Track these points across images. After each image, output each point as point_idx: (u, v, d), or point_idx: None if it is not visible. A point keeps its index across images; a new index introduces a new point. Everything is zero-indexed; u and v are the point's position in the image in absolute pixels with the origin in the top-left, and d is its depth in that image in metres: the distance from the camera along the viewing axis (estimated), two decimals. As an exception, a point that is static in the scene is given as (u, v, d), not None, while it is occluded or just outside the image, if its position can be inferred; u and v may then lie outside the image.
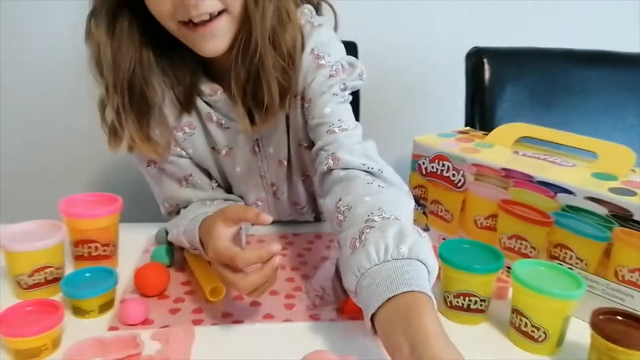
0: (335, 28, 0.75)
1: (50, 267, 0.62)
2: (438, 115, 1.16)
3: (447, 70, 1.20)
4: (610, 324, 0.51)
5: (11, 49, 1.20)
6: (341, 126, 0.67)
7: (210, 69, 0.70)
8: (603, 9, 1.39)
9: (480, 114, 1.09)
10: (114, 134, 0.67)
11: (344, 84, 0.70)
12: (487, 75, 1.10)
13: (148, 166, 0.74)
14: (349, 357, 0.50)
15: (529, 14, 1.37)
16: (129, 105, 0.65)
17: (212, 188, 0.77)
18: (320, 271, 0.73)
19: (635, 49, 1.21)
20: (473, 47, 1.11)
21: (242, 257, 0.53)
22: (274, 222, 0.77)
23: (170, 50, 0.66)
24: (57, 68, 1.18)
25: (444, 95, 1.28)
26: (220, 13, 0.60)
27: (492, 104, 1.09)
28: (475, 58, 1.10)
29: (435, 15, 1.33)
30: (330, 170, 0.65)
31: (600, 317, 0.52)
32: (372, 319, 0.49)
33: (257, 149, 0.76)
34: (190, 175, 0.74)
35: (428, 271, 0.51)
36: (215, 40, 0.62)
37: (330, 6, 0.76)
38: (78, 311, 0.59)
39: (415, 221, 0.63)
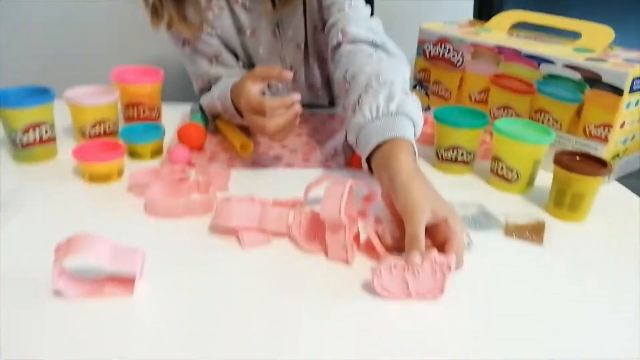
0: None
1: (108, 121, 0.74)
2: (446, 9, 1.22)
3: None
4: (568, 160, 0.62)
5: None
6: (350, 4, 0.76)
7: None
8: None
9: (487, 12, 1.15)
10: (155, 13, 0.76)
11: None
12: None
13: (183, 46, 0.84)
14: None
15: None
16: None
17: (239, 67, 0.88)
18: (333, 139, 0.85)
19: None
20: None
21: (269, 103, 0.64)
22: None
23: None
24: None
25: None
26: None
27: (499, 3, 1.15)
28: (484, -44, 1.15)
29: None
30: (339, 44, 0.75)
31: (562, 155, 0.63)
32: (368, 163, 0.61)
33: (277, 32, 0.85)
34: (220, 53, 0.84)
35: (413, 123, 0.61)
36: None
37: None
38: (134, 155, 0.72)
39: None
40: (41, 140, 0.69)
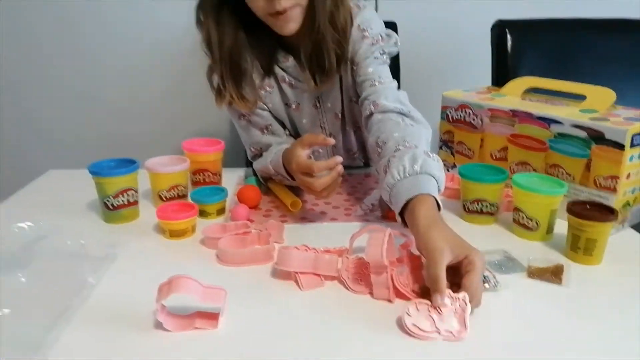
0: (376, 9, 0.98)
1: (180, 185, 0.88)
2: (467, 79, 1.35)
3: (475, 39, 1.39)
4: (580, 209, 0.71)
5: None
6: (380, 80, 0.90)
7: (284, 44, 0.94)
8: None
9: (503, 77, 1.28)
10: (219, 93, 0.92)
11: (383, 49, 0.93)
12: (509, 44, 1.28)
13: (239, 119, 0.99)
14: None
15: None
16: (229, 72, 0.90)
17: (286, 135, 1.02)
18: (370, 195, 0.96)
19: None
20: (497, 20, 1.30)
21: (316, 165, 0.77)
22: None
23: (257, 31, 0.90)
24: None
25: (472, 61, 1.47)
26: (293, 6, 0.83)
27: (514, 70, 1.27)
28: (499, 29, 1.29)
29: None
30: (371, 114, 0.88)
31: (574, 205, 0.72)
32: (402, 217, 0.72)
33: (317, 104, 0.99)
34: (270, 124, 0.99)
35: (436, 180, 0.72)
36: (290, 24, 0.85)
37: None
38: (202, 213, 0.84)
39: (444, 161, 0.85)
40: (128, 203, 0.83)
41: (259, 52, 0.93)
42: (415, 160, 0.73)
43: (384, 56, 0.93)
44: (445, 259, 0.58)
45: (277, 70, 0.95)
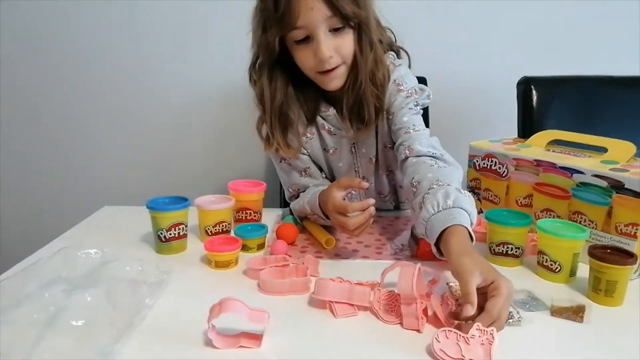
0: (409, 65, 1.08)
1: (225, 222, 0.96)
2: (494, 132, 1.42)
3: (502, 94, 1.47)
4: (601, 252, 0.75)
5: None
6: (414, 128, 0.99)
7: (327, 96, 1.04)
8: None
9: (529, 130, 1.34)
10: (268, 141, 1.02)
11: (417, 101, 1.02)
12: (534, 99, 1.35)
13: (280, 162, 1.08)
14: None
15: (571, 41, 1.61)
16: (278, 123, 1.00)
17: (322, 177, 1.10)
18: (400, 236, 1.02)
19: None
20: (523, 77, 1.38)
21: (351, 206, 0.84)
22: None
23: (304, 86, 1.01)
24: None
25: (499, 115, 1.55)
26: (339, 65, 0.94)
27: (539, 123, 1.33)
28: (524, 85, 1.37)
29: (490, 46, 1.62)
30: (406, 158, 0.96)
31: (595, 249, 0.76)
32: (438, 249, 0.78)
33: (353, 150, 1.07)
34: (309, 167, 1.07)
35: (468, 214, 0.78)
36: (336, 81, 0.96)
37: (406, 52, 1.09)
38: (244, 248, 0.92)
39: None
40: (179, 236, 0.92)
41: (304, 104, 1.03)
42: (448, 196, 0.79)
43: (418, 107, 1.03)
44: (475, 279, 0.64)
45: (319, 119, 1.05)
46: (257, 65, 0.99)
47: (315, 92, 1.02)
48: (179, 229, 0.91)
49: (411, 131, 0.98)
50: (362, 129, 1.01)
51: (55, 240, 0.99)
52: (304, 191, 1.07)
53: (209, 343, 0.62)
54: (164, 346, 0.63)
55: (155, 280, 0.78)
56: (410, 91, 1.01)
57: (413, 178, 0.90)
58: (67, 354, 0.57)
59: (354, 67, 0.96)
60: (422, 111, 1.04)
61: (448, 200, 0.79)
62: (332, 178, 1.12)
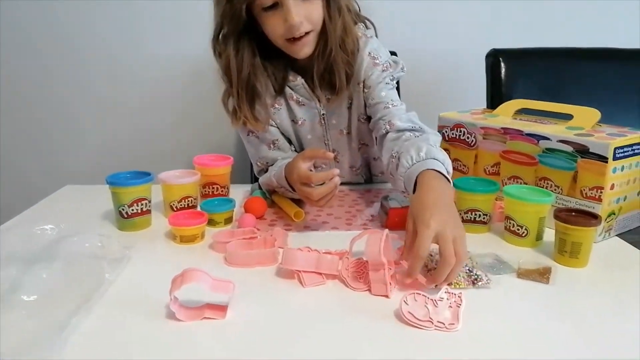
0: (376, 36, 1.06)
1: (191, 196, 0.93)
2: (463, 103, 1.42)
3: (471, 67, 1.47)
4: (566, 215, 0.76)
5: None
6: (392, 103, 0.99)
7: (294, 65, 1.01)
8: (606, 9, 1.63)
9: (498, 102, 1.34)
10: (235, 115, 0.99)
11: (392, 75, 1.03)
12: (503, 72, 1.36)
13: (248, 135, 1.05)
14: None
15: (538, 16, 1.62)
16: (245, 96, 0.97)
17: (292, 150, 1.08)
18: (371, 207, 1.01)
19: (634, 44, 1.42)
20: (491, 49, 1.38)
21: (315, 176, 0.83)
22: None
23: (271, 56, 0.98)
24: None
25: (468, 87, 1.55)
26: (308, 32, 0.92)
27: (508, 95, 1.34)
28: (493, 58, 1.37)
29: (458, 21, 1.61)
30: (387, 132, 0.96)
31: (560, 212, 0.77)
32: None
33: (323, 122, 1.06)
34: (277, 140, 1.05)
35: (441, 163, 0.80)
36: (306, 48, 0.94)
37: (372, 23, 1.08)
38: (211, 223, 0.89)
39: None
40: (142, 212, 0.88)
41: (271, 74, 1.00)
42: (421, 149, 0.83)
43: (393, 82, 1.04)
44: (430, 236, 0.66)
45: (287, 89, 1.03)
46: (221, 37, 0.95)
47: (283, 61, 0.99)
48: (142, 204, 0.88)
49: (390, 106, 0.98)
50: (334, 97, 1.00)
51: (12, 220, 0.94)
52: (272, 165, 1.05)
53: (171, 316, 0.60)
54: (125, 319, 0.61)
55: (117, 255, 0.75)
56: (385, 65, 1.02)
57: (393, 150, 0.90)
58: (20, 327, 0.54)
59: (323, 34, 0.94)
60: (396, 84, 1.04)
61: (421, 152, 0.82)
62: (301, 150, 1.10)
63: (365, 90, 1.02)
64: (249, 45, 0.95)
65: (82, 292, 0.64)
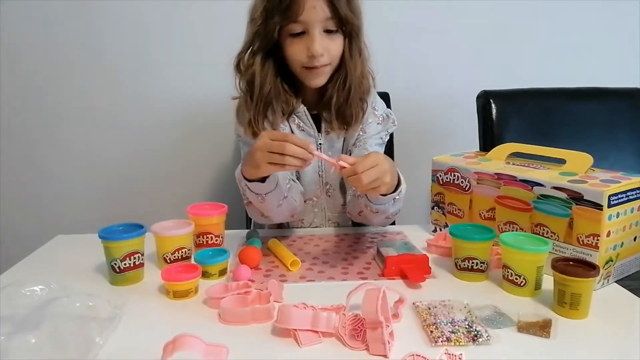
0: (374, 85, 1.09)
1: (184, 248, 0.92)
2: (456, 145, 1.43)
3: (462, 109, 1.49)
4: (563, 265, 0.75)
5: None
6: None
7: (302, 94, 1.07)
8: (593, 52, 1.67)
9: (490, 143, 1.35)
10: (250, 127, 1.02)
11: (387, 131, 1.10)
12: (494, 112, 1.38)
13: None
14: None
15: (527, 58, 1.66)
16: (262, 110, 1.02)
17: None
18: (366, 254, 1.00)
19: (624, 84, 1.45)
20: (481, 90, 1.40)
21: (291, 137, 0.82)
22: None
23: (286, 80, 1.04)
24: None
25: (461, 128, 1.57)
26: (326, 65, 1.00)
27: (499, 136, 1.36)
28: (484, 99, 1.39)
29: (448, 66, 1.64)
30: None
31: (558, 261, 0.76)
32: None
33: (319, 152, 1.06)
34: None
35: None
36: (320, 78, 1.02)
37: (371, 73, 1.11)
38: (205, 275, 0.88)
39: (436, 220, 1.03)
40: (134, 266, 0.87)
41: (284, 96, 1.05)
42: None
43: (386, 138, 1.11)
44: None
45: (293, 115, 1.07)
46: (249, 52, 1.01)
47: (294, 88, 1.05)
48: (135, 258, 0.87)
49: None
50: (347, 130, 1.07)
51: (3, 275, 0.92)
52: None
53: (164, 383, 0.58)
54: (115, 389, 0.59)
55: (107, 315, 0.73)
56: (381, 117, 1.11)
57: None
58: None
59: (341, 70, 1.03)
60: (387, 139, 1.12)
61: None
62: (295, 177, 1.10)
63: (361, 134, 1.09)
64: (273, 65, 1.02)
65: (72, 357, 0.62)
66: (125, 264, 0.86)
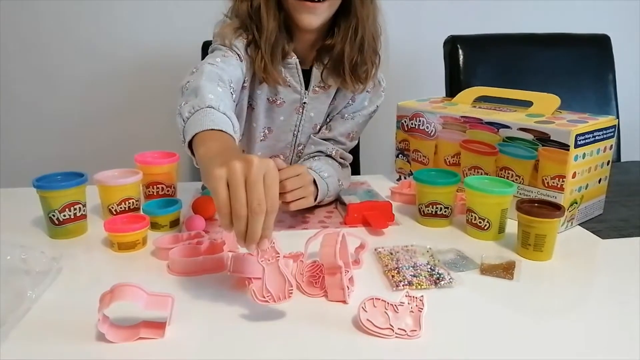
0: None
1: (132, 198, 0.85)
2: (423, 92, 1.39)
3: (430, 54, 1.44)
4: (528, 206, 0.73)
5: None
6: (354, 136, 1.04)
7: (295, 40, 0.94)
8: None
9: (457, 89, 1.31)
10: (253, 60, 0.91)
11: (376, 105, 1.03)
12: (460, 58, 1.33)
13: (220, 51, 0.88)
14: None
15: (496, 3, 1.61)
16: (272, 50, 0.90)
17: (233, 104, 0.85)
18: (328, 203, 0.96)
19: (586, 30, 1.42)
20: (449, 36, 1.35)
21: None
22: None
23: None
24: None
25: (427, 76, 1.52)
26: (322, 0, 0.85)
27: (466, 82, 1.31)
28: (451, 44, 1.34)
29: (416, 12, 1.58)
30: (329, 155, 0.99)
31: (523, 203, 0.74)
32: None
33: (300, 110, 0.99)
34: (230, 78, 0.84)
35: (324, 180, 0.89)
36: (315, 17, 0.87)
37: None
38: (155, 226, 0.82)
39: (400, 169, 1.00)
40: (75, 217, 0.80)
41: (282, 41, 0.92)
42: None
43: (373, 114, 1.05)
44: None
45: (280, 67, 0.94)
46: None
47: (286, 35, 0.93)
48: (75, 209, 0.80)
49: (352, 136, 1.04)
50: (350, 87, 0.97)
51: None
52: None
53: (102, 337, 0.53)
54: (48, 344, 0.53)
55: (42, 269, 0.66)
56: (371, 83, 1.00)
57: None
58: None
59: (349, 18, 0.90)
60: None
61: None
62: (264, 129, 1.01)
63: (350, 102, 1.02)
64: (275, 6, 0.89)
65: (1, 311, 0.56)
66: (64, 216, 0.79)
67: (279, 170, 0.74)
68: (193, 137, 0.64)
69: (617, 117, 1.37)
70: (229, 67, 0.86)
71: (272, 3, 0.88)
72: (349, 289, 0.61)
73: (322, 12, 0.88)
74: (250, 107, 0.99)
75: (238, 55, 0.90)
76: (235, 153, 0.58)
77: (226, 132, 0.65)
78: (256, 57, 0.91)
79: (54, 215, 0.79)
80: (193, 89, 0.73)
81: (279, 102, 0.98)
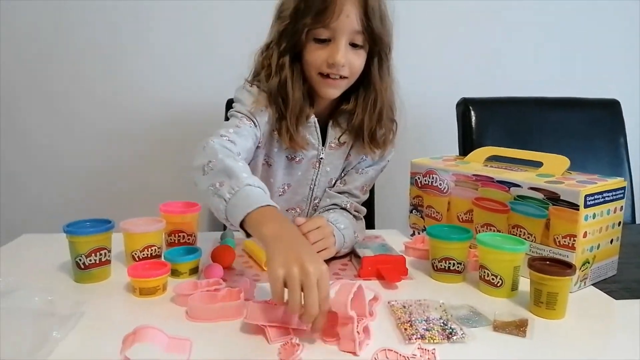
0: None
1: (154, 245, 0.89)
2: (435, 151, 1.44)
3: (442, 116, 1.49)
4: (540, 264, 0.74)
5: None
6: (367, 189, 1.10)
7: (315, 103, 1.02)
8: (570, 61, 1.69)
9: (469, 149, 1.35)
10: (279, 131, 0.99)
11: (387, 160, 1.11)
12: (473, 119, 1.38)
13: (240, 119, 0.96)
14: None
15: (507, 67, 1.68)
16: (296, 118, 0.98)
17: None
18: (343, 255, 0.98)
19: (596, 95, 1.47)
20: (461, 98, 1.41)
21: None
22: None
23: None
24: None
25: (440, 135, 1.57)
26: (343, 77, 0.95)
27: (478, 142, 1.36)
28: (463, 106, 1.40)
29: (428, 72, 1.65)
30: (344, 208, 1.03)
31: (534, 260, 0.75)
32: None
33: (317, 165, 1.05)
34: (244, 146, 0.92)
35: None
36: (334, 90, 0.97)
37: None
38: (175, 273, 0.85)
39: (414, 224, 1.03)
40: (100, 263, 0.83)
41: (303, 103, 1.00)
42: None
43: (384, 168, 1.12)
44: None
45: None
46: (277, 51, 0.96)
47: (311, 102, 1.01)
48: (101, 254, 0.83)
49: (366, 190, 1.10)
50: (378, 152, 1.06)
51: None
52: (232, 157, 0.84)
53: (122, 379, 0.55)
54: (69, 385, 0.55)
55: (68, 311, 0.69)
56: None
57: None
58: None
59: (369, 91, 1.00)
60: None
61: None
62: (283, 185, 1.07)
63: (364, 158, 1.08)
64: (300, 69, 0.97)
65: (23, 351, 0.58)
66: (90, 260, 0.82)
67: (298, 225, 0.81)
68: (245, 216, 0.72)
69: (630, 179, 1.39)
70: (240, 139, 0.92)
71: (298, 76, 0.97)
72: (362, 340, 0.62)
73: (342, 87, 0.98)
74: (267, 164, 1.05)
75: (253, 122, 0.97)
76: (293, 240, 0.69)
77: (270, 205, 0.73)
78: (281, 128, 0.99)
79: (80, 260, 0.82)
80: (221, 169, 0.78)
81: (298, 159, 1.04)
